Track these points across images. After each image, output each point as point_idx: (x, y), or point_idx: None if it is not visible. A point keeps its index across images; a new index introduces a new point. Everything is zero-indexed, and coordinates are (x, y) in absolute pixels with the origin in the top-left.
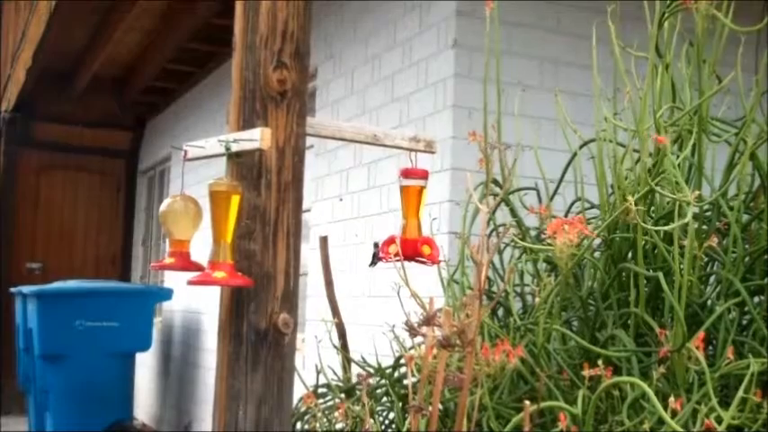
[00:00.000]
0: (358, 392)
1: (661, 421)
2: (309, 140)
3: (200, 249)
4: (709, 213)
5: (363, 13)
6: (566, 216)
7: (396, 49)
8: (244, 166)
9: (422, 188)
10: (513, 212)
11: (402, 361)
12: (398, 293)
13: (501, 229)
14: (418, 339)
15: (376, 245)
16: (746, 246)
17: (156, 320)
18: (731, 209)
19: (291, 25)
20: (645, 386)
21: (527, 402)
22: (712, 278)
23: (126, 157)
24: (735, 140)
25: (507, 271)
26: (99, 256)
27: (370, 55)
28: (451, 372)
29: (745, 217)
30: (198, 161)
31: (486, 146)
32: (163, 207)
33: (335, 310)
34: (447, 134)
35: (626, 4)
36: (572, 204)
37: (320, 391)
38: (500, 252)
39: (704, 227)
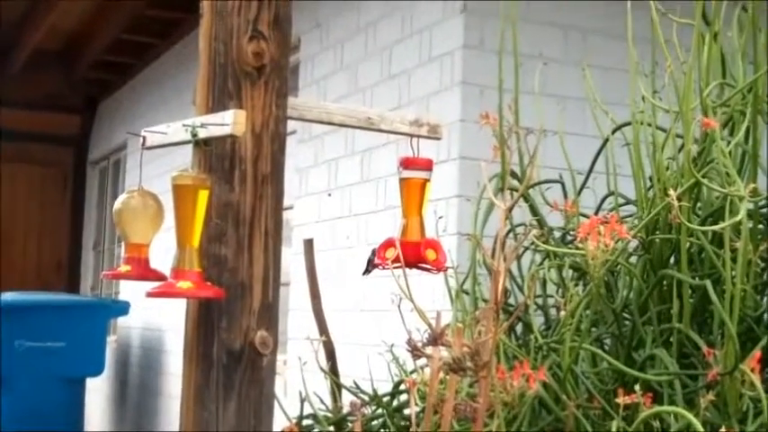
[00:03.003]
0: (350, 424)
1: None
2: (292, 125)
3: (162, 255)
4: (765, 210)
5: None
6: (596, 214)
7: (394, 15)
8: (213, 155)
9: (425, 181)
10: (534, 210)
11: (402, 387)
12: (398, 307)
13: (520, 229)
14: (422, 361)
15: (373, 252)
16: None
17: (110, 339)
18: None
19: None
20: (690, 416)
21: None
22: None
23: (74, 145)
24: None
25: (527, 279)
26: (41, 263)
27: (363, 23)
28: (462, 400)
29: None
30: (159, 149)
31: (501, 130)
32: (117, 204)
33: (323, 327)
34: (455, 116)
35: None
36: (603, 200)
37: (305, 422)
38: (519, 257)
39: (760, 226)
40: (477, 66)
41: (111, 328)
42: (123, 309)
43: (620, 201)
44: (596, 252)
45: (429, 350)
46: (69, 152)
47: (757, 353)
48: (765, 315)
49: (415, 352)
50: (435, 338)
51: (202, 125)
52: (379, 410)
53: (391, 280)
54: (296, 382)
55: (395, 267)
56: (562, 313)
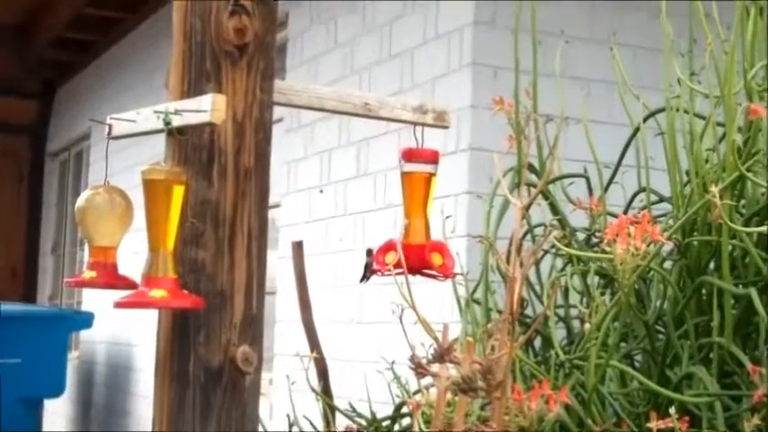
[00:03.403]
0: None
1: None
2: (278, 112)
3: (131, 259)
4: None
5: None
6: (625, 213)
7: None
8: (189, 146)
9: (430, 175)
10: (555, 208)
11: (405, 410)
12: (400, 319)
13: (539, 230)
14: (427, 381)
15: (369, 252)
16: None
17: (72, 355)
18: None
19: None
20: None
21: None
22: None
23: (30, 135)
24: None
25: (547, 287)
26: None
27: None
28: (473, 424)
29: None
30: (127, 139)
31: (517, 117)
32: (80, 202)
33: (314, 341)
34: (464, 102)
35: None
36: (634, 197)
37: None
38: (537, 262)
39: None
40: (489, 44)
41: (73, 342)
42: (86, 321)
43: (653, 198)
44: (626, 256)
45: (435, 368)
46: (24, 142)
47: None
48: None
49: (419, 370)
50: (442, 354)
51: (176, 112)
52: None
53: (392, 288)
54: (283, 403)
55: (396, 274)
56: (587, 326)
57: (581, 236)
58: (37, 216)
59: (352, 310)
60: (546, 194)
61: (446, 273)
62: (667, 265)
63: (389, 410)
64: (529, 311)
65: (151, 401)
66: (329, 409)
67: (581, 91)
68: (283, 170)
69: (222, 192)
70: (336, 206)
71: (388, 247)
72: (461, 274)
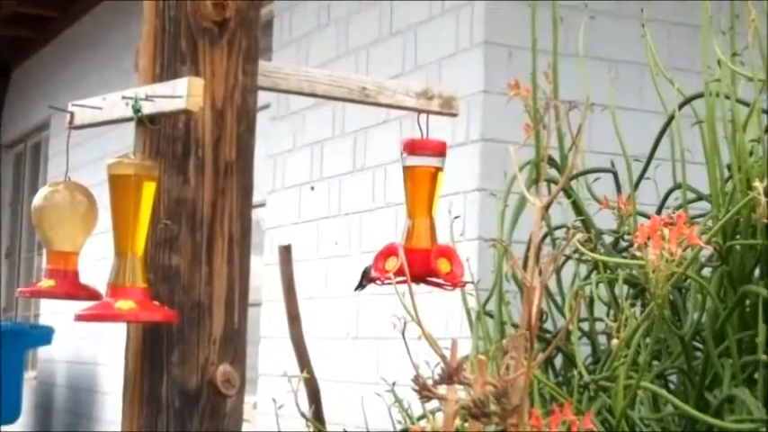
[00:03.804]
0: None
1: None
2: (263, 97)
3: (95, 265)
4: None
5: None
6: (658, 213)
7: None
8: (162, 136)
9: (436, 170)
10: (578, 207)
11: None
12: (402, 334)
13: (560, 233)
14: (433, 404)
15: (368, 268)
16: None
17: (28, 376)
18: None
19: None
20: None
21: None
22: None
23: None
24: None
25: (569, 298)
26: None
27: None
28: None
29: None
30: (92, 129)
31: (535, 104)
32: (37, 201)
33: (304, 360)
34: (475, 86)
35: None
36: (668, 194)
37: None
38: (558, 269)
39: None
40: (503, 21)
41: (29, 361)
42: (45, 336)
43: (690, 196)
44: (659, 263)
45: (442, 390)
46: None
47: None
48: None
49: (424, 392)
50: (450, 374)
51: (147, 97)
52: None
53: (393, 298)
54: (269, 430)
55: (397, 282)
56: (614, 342)
57: (608, 239)
58: None
59: (347, 323)
60: (568, 192)
61: (454, 281)
62: (706, 272)
63: None
64: (548, 325)
65: (119, 429)
66: None
67: (608, 73)
68: (269, 164)
69: (199, 189)
70: (330, 205)
71: (389, 251)
72: (472, 283)
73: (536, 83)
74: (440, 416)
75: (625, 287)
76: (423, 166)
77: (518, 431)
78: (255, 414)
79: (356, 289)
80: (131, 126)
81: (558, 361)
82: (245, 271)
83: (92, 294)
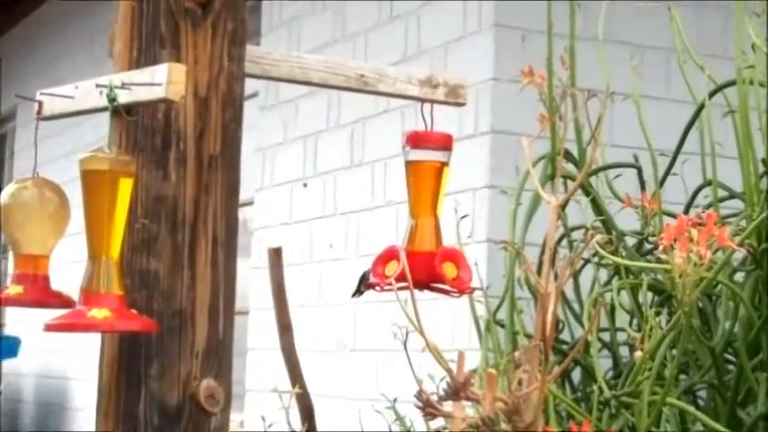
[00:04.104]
0: None
1: None
2: (252, 85)
3: (67, 269)
4: None
5: None
6: (686, 212)
7: None
8: (140, 128)
9: (442, 165)
10: (598, 206)
11: None
12: (404, 345)
13: (577, 234)
14: (438, 422)
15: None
16: None
17: None
18: None
19: None
20: None
21: None
22: None
23: None
24: None
25: (588, 306)
26: None
27: None
28: None
29: None
30: (62, 120)
31: (550, 93)
32: (3, 199)
33: (296, 373)
34: (484, 74)
35: None
36: (696, 192)
37: None
38: (576, 274)
39: None
40: (515, 1)
41: None
42: (11, 348)
43: (721, 193)
44: (686, 267)
45: (448, 406)
46: None
47: None
48: None
49: (428, 409)
50: (457, 390)
51: (124, 85)
52: None
53: (394, 306)
54: None
55: (398, 288)
56: (638, 354)
57: (630, 241)
58: None
59: (343, 334)
60: (587, 189)
61: (461, 287)
62: (739, 277)
63: None
64: (565, 336)
65: None
66: None
67: (630, 59)
68: (257, 158)
69: (181, 185)
70: (324, 204)
71: (389, 255)
72: (480, 289)
73: (551, 69)
74: None
75: (649, 294)
76: (427, 160)
77: None
78: None
79: (353, 296)
80: (106, 117)
81: (576, 375)
82: (230, 276)
83: (63, 302)
